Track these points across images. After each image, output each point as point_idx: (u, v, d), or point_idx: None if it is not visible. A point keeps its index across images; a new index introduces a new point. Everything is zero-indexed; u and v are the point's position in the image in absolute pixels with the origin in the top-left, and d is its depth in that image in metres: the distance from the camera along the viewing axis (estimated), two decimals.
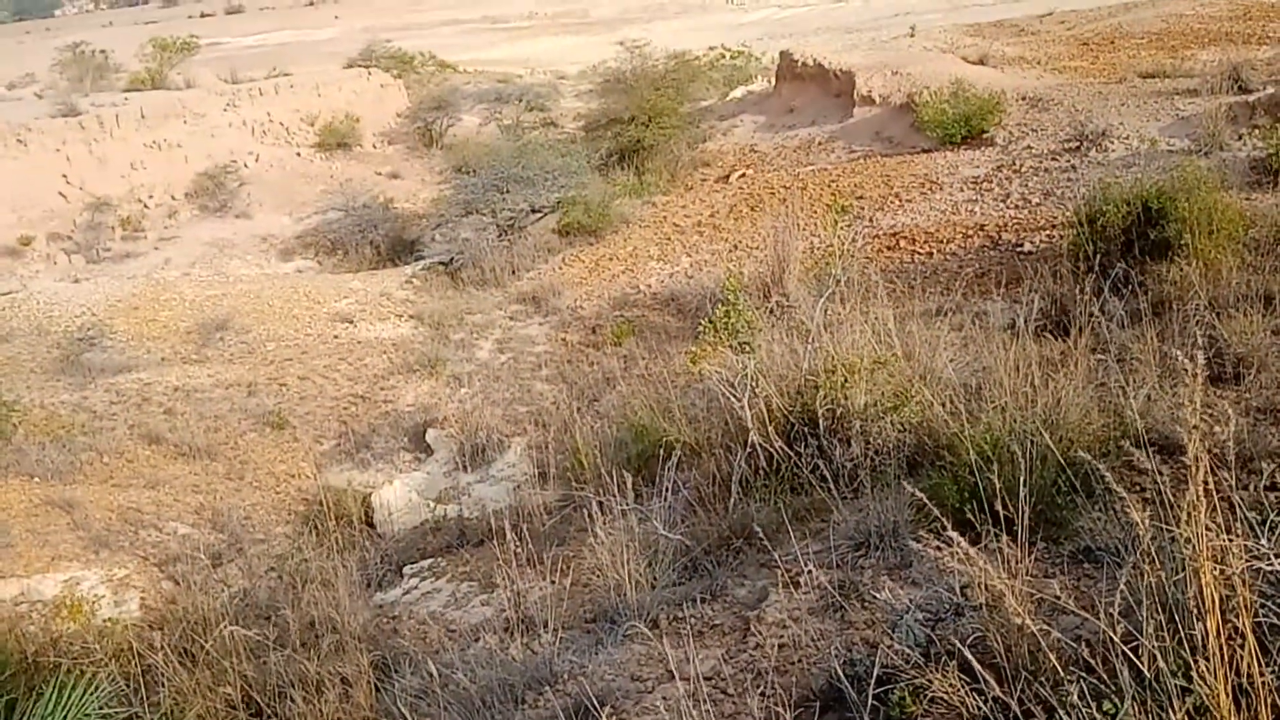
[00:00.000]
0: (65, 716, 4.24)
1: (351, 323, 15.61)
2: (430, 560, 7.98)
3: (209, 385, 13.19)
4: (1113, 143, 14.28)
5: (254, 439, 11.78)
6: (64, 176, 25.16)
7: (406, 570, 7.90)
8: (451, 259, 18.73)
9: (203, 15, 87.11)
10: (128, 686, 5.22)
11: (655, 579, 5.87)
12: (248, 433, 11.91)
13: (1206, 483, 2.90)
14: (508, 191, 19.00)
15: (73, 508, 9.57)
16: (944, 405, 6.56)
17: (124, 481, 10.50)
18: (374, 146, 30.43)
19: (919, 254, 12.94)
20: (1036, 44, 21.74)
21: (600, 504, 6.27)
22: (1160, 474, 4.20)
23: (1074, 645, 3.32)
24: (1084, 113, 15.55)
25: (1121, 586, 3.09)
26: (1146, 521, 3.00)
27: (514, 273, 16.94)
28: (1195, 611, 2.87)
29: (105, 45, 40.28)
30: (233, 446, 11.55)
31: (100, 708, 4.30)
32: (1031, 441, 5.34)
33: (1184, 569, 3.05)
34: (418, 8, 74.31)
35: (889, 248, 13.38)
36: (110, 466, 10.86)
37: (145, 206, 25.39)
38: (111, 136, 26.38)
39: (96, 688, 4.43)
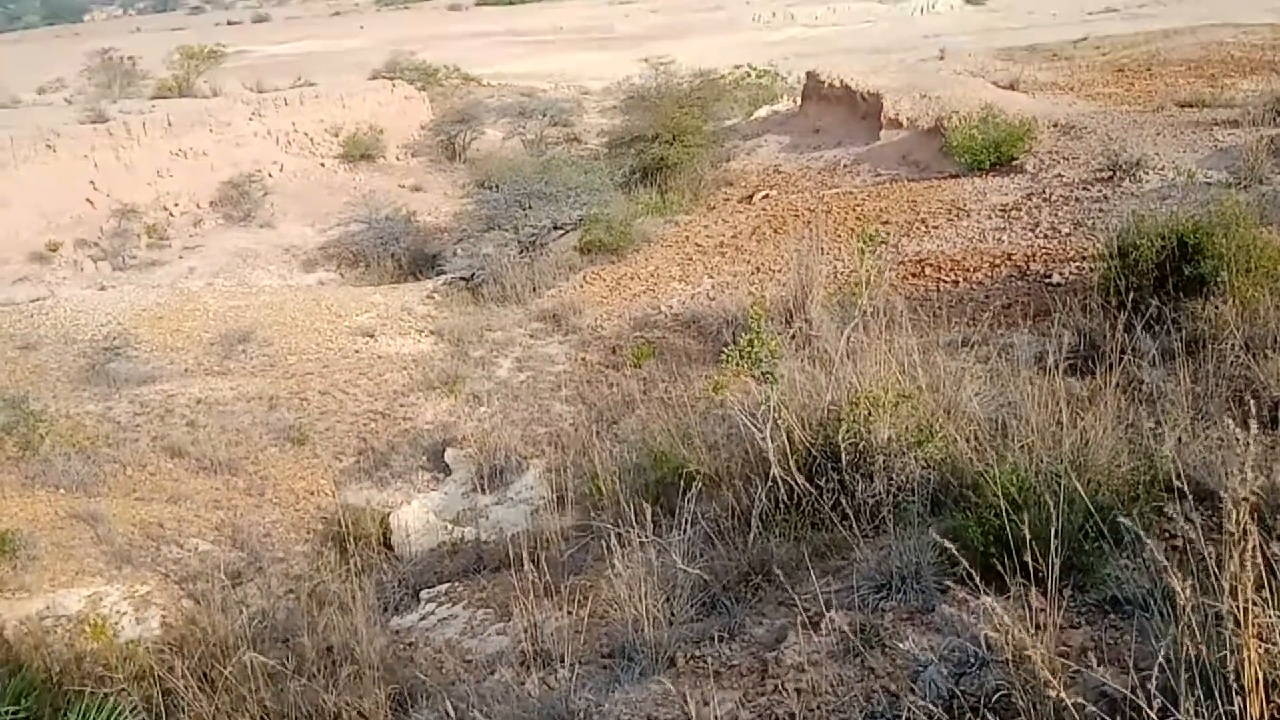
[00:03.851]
0: None
1: (372, 337, 15.62)
2: (447, 585, 7.95)
3: (231, 398, 13.22)
4: (1147, 173, 14.08)
5: (275, 454, 11.80)
6: (91, 183, 25.38)
7: (423, 594, 7.87)
8: (473, 274, 18.73)
9: (229, 23, 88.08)
10: (148, 711, 5.21)
11: (673, 614, 5.81)
12: (269, 448, 11.93)
13: (1253, 556, 2.82)
14: (530, 207, 19.02)
15: (97, 521, 9.62)
16: (969, 441, 6.48)
17: (146, 495, 10.54)
18: (397, 158, 30.58)
19: (945, 282, 12.84)
20: (1070, 70, 21.52)
21: (619, 535, 6.22)
22: (1193, 522, 4.14)
23: (1104, 716, 3.24)
24: (1118, 141, 15.34)
25: (1159, 661, 3.00)
26: (1187, 591, 2.92)
27: (535, 290, 16.91)
28: (1236, 687, 2.80)
29: (133, 52, 40.68)
30: (254, 461, 11.57)
31: None
32: (1059, 483, 5.26)
33: (1224, 637, 2.97)
34: (443, 20, 74.74)
35: (914, 274, 13.29)
36: (133, 479, 10.91)
37: (171, 214, 25.59)
38: (139, 144, 26.61)
39: (119, 715, 4.42)
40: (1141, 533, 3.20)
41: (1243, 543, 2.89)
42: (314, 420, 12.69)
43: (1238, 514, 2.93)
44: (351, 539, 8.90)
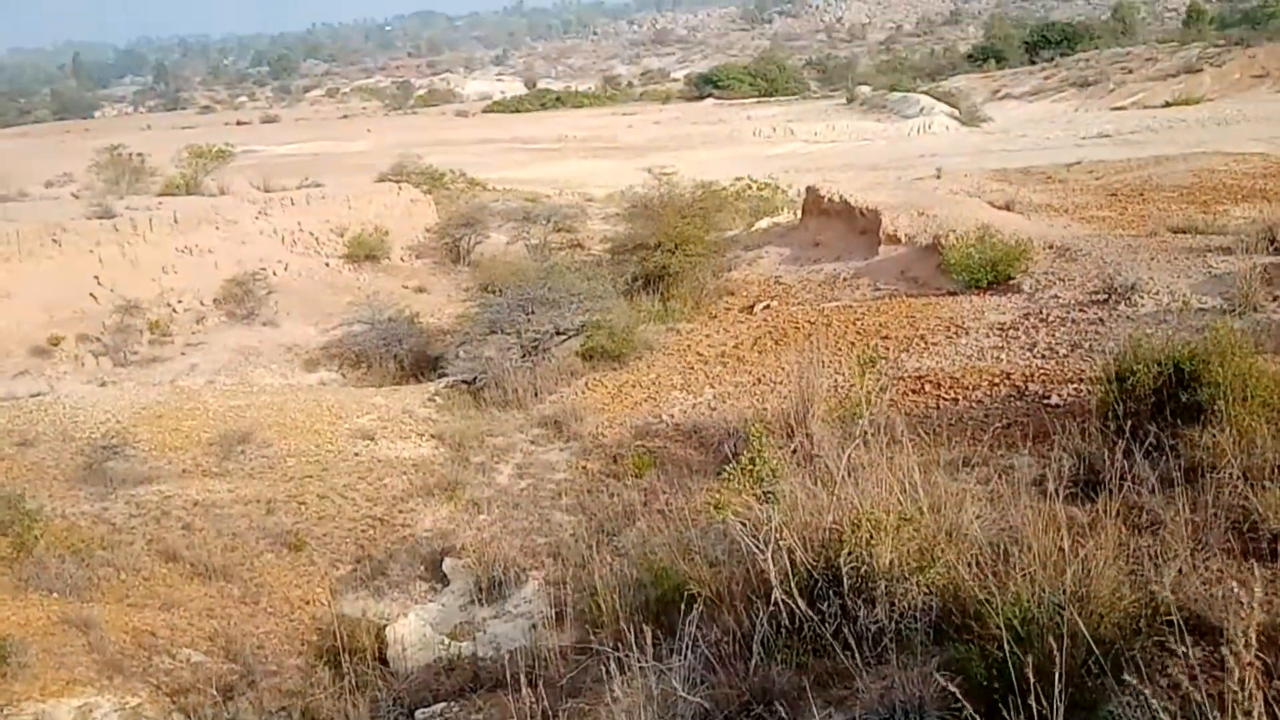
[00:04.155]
0: None
1: (372, 440, 15.61)
2: (443, 704, 7.84)
3: (228, 501, 13.17)
4: (1142, 297, 14.25)
5: (270, 560, 11.72)
6: (96, 278, 25.57)
7: (418, 714, 7.75)
8: (475, 378, 18.79)
9: (239, 123, 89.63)
10: None
11: None
12: (265, 553, 11.85)
13: None
14: (533, 312, 19.19)
15: (89, 628, 9.52)
16: (970, 566, 6.47)
17: (140, 601, 10.44)
18: (402, 260, 30.86)
19: (944, 400, 12.92)
20: (1064, 192, 21.95)
21: (619, 660, 6.17)
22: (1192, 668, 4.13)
23: None
24: (1113, 265, 15.57)
25: None
26: None
27: (536, 395, 16.97)
28: None
29: (142, 149, 41.27)
30: (249, 568, 11.49)
31: None
32: (1061, 615, 5.27)
33: None
34: (449, 126, 76.15)
35: (914, 391, 13.37)
36: (127, 584, 10.82)
37: (174, 311, 25.72)
38: (144, 240, 26.90)
39: None
40: (1147, 692, 3.19)
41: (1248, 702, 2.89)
42: (311, 525, 12.64)
43: (1241, 675, 2.93)
44: (346, 652, 8.81)
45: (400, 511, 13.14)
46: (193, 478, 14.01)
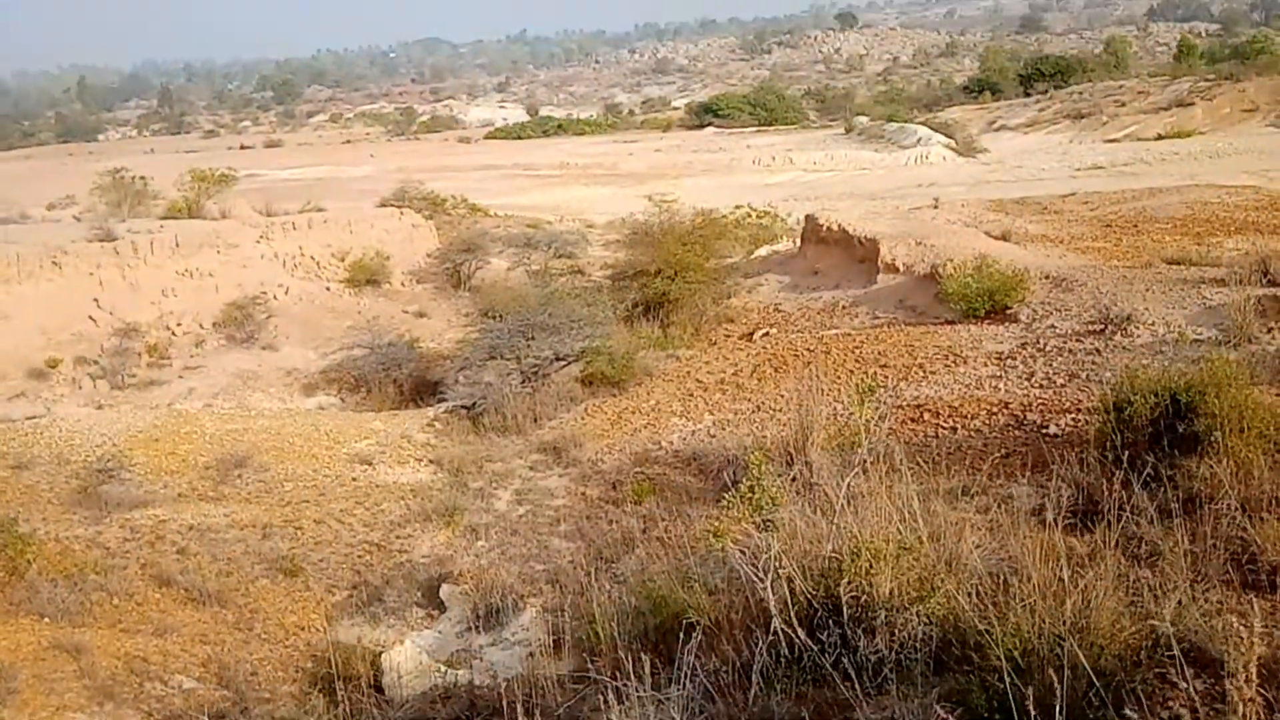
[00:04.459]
0: None
1: (370, 465, 15.58)
2: None
3: (224, 525, 13.11)
4: (1138, 328, 14.31)
5: (266, 586, 11.65)
6: (95, 300, 25.55)
7: None
8: (474, 403, 18.77)
9: (242, 147, 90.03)
10: None
11: None
12: (260, 579, 11.78)
13: None
14: (533, 338, 19.18)
15: (80, 653, 9.43)
16: (970, 596, 6.45)
17: (132, 626, 10.36)
18: (402, 285, 30.88)
19: (943, 428, 12.92)
20: (1059, 223, 22.09)
21: (617, 690, 6.13)
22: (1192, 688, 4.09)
23: None
24: (1108, 295, 15.65)
25: None
26: None
27: (536, 421, 16.96)
28: None
29: (145, 172, 41.32)
30: (244, 593, 11.41)
31: None
32: (1061, 647, 5.26)
33: None
34: (451, 152, 76.45)
35: (912, 419, 13.37)
36: (120, 609, 10.73)
37: (173, 334, 25.71)
38: (145, 263, 26.86)
39: None
40: None
41: None
42: (308, 551, 12.57)
43: (1243, 710, 2.92)
44: (341, 680, 8.75)
45: (397, 537, 13.09)
46: (188, 502, 13.96)
